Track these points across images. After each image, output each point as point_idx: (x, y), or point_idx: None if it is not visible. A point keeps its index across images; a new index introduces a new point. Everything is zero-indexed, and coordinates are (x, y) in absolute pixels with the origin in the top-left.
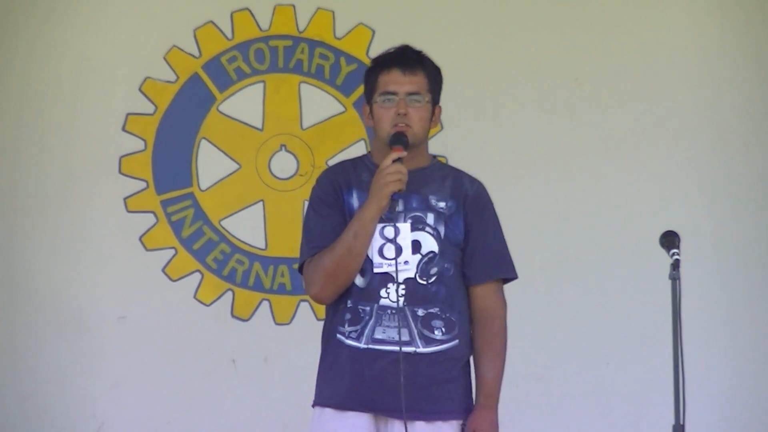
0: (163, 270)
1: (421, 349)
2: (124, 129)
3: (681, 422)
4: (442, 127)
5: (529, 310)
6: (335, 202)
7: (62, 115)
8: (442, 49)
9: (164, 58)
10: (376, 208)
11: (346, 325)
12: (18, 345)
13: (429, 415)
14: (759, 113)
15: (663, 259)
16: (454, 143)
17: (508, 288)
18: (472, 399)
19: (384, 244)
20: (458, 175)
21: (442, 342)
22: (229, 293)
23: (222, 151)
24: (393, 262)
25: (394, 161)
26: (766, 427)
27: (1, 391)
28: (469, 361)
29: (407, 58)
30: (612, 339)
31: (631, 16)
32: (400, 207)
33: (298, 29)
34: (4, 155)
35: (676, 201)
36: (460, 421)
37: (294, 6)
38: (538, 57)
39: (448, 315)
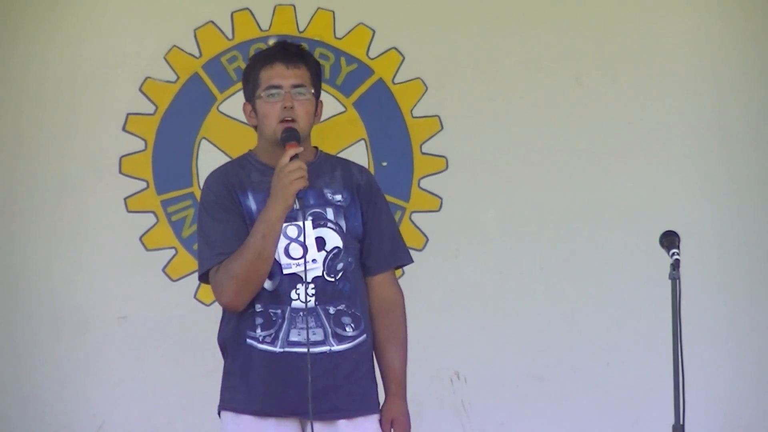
0: (163, 270)
1: (335, 347)
2: (124, 129)
3: (681, 422)
4: (442, 127)
5: (529, 310)
6: (231, 206)
7: (62, 115)
8: (442, 49)
9: (164, 58)
10: (282, 207)
11: (258, 330)
12: (18, 345)
13: (348, 413)
14: (759, 112)
15: (663, 259)
16: (454, 143)
17: (509, 288)
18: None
19: (289, 243)
20: (346, 164)
21: (352, 338)
22: None
23: (222, 151)
24: (301, 261)
25: (291, 158)
26: (766, 427)
27: (1, 391)
28: (372, 355)
29: (289, 52)
30: (612, 339)
31: (631, 16)
32: (297, 204)
33: (298, 29)
34: (4, 155)
35: (676, 201)
36: (377, 415)
37: (294, 6)
38: (538, 57)
39: (353, 310)
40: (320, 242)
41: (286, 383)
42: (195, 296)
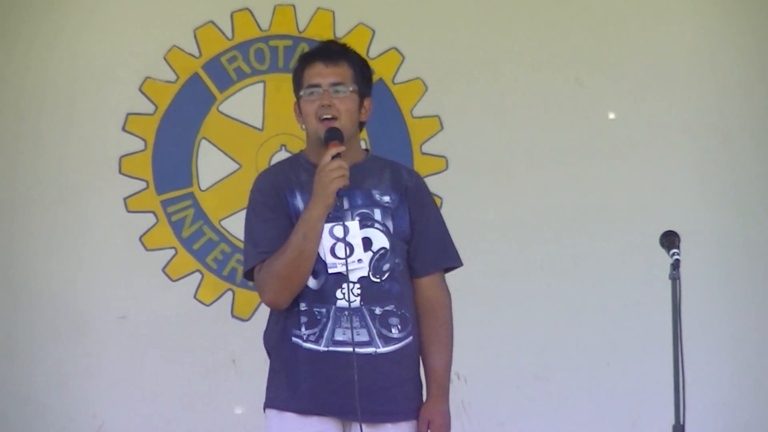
0: (163, 270)
1: (381, 349)
2: (124, 129)
3: (681, 422)
4: (442, 127)
5: (529, 310)
6: (278, 205)
7: (62, 114)
8: (442, 49)
9: (164, 58)
10: (322, 206)
11: (303, 328)
12: (18, 345)
13: (393, 416)
14: (760, 112)
15: (663, 259)
16: (454, 143)
17: (509, 288)
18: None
19: (335, 243)
20: (395, 167)
21: (399, 340)
22: (229, 293)
23: (222, 151)
24: (347, 261)
25: (333, 157)
26: (766, 427)
27: (1, 391)
28: (419, 357)
29: (329, 51)
30: (612, 339)
31: (631, 16)
32: (346, 205)
33: (298, 29)
34: (4, 155)
35: (676, 201)
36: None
37: (294, 6)
38: (538, 57)
39: (402, 311)
40: (367, 243)
41: (330, 382)
42: (195, 296)
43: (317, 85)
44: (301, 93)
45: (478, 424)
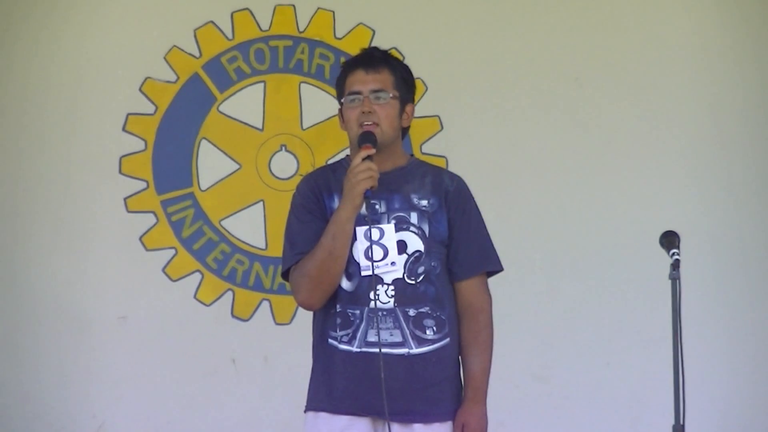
0: (163, 270)
1: (414, 350)
2: (124, 129)
3: (681, 422)
4: (442, 127)
5: (529, 310)
6: (316, 208)
7: (63, 115)
8: (442, 49)
9: (164, 58)
10: (350, 207)
11: (338, 330)
12: (18, 345)
13: (426, 417)
14: (758, 113)
15: (663, 259)
16: (454, 143)
17: (509, 288)
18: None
19: (370, 246)
20: (438, 172)
21: (433, 341)
22: (229, 293)
23: (222, 151)
24: (380, 264)
25: (363, 159)
26: (766, 427)
27: (1, 391)
28: (459, 359)
29: (371, 57)
30: (612, 339)
31: (631, 16)
32: (383, 208)
33: (298, 29)
34: (5, 155)
35: (676, 201)
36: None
37: (294, 6)
38: (538, 57)
39: (438, 314)
40: (401, 245)
41: (363, 382)
42: (195, 296)
43: (358, 92)
44: (343, 100)
45: None
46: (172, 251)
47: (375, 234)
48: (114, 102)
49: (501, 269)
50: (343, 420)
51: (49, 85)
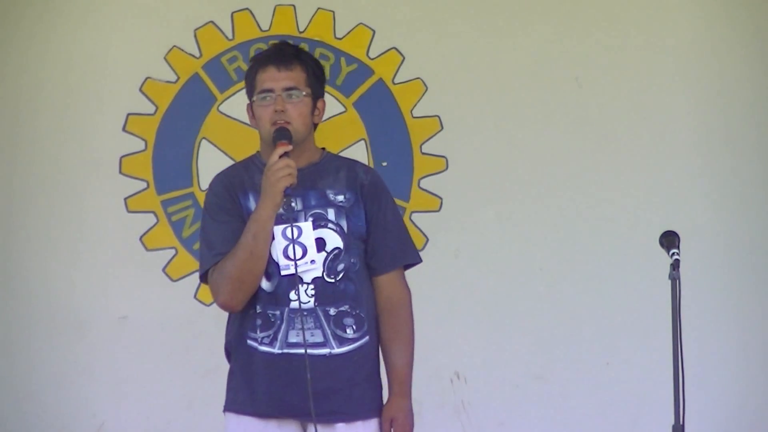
0: (163, 270)
1: (336, 350)
2: (124, 129)
3: (681, 422)
4: (442, 127)
5: (529, 310)
6: (232, 207)
7: (62, 115)
8: (442, 49)
9: (164, 58)
10: (271, 205)
11: (258, 331)
12: (18, 345)
13: (348, 416)
14: (761, 112)
15: (663, 259)
16: (454, 143)
17: (509, 288)
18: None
19: (288, 245)
20: (352, 165)
21: (354, 340)
22: None
23: (222, 151)
24: (299, 263)
25: (280, 156)
26: (766, 427)
27: (1, 391)
28: (379, 356)
29: (283, 54)
30: (612, 339)
31: (631, 16)
32: (299, 206)
33: (298, 29)
34: (3, 155)
35: (676, 201)
36: (378, 419)
37: (294, 6)
38: (537, 57)
39: (357, 311)
40: (320, 243)
41: (286, 384)
42: (195, 296)
43: (270, 90)
44: (255, 98)
45: (478, 424)
46: (173, 251)
47: (292, 232)
48: (114, 102)
49: (419, 261)
50: (271, 425)
51: (49, 85)
